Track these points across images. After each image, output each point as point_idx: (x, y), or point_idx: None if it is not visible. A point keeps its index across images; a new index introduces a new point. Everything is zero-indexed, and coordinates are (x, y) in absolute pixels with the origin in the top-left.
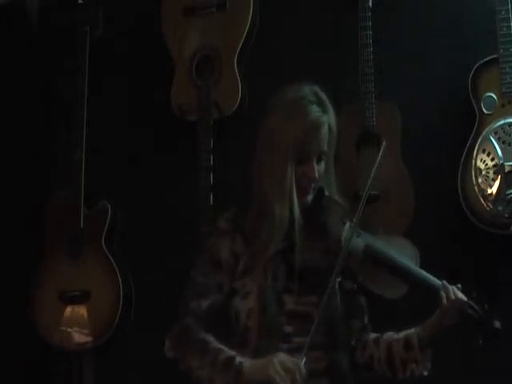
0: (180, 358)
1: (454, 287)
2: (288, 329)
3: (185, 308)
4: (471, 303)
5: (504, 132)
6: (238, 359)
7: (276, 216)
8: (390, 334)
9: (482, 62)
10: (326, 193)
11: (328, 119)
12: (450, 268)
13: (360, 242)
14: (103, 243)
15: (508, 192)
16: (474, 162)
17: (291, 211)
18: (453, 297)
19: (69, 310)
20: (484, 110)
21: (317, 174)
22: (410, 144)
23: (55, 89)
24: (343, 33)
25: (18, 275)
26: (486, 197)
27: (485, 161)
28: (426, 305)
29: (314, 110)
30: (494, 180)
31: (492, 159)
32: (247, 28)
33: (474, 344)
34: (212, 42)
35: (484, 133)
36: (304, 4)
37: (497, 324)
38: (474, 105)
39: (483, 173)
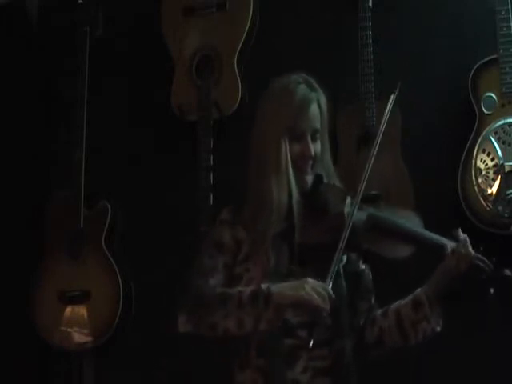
0: (199, 324)
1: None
2: (292, 320)
3: (192, 285)
4: (479, 255)
5: (504, 132)
6: (264, 286)
7: (274, 198)
8: (397, 303)
9: (482, 62)
10: (325, 180)
11: (317, 97)
12: None
13: (362, 214)
14: (103, 243)
15: (508, 192)
16: (473, 162)
17: (290, 193)
18: (461, 250)
19: (69, 310)
20: (484, 110)
21: (313, 152)
22: (410, 144)
23: (55, 89)
24: (343, 33)
25: (18, 275)
26: (486, 197)
27: (485, 161)
28: (434, 264)
29: (302, 88)
30: (494, 180)
31: (492, 159)
32: (247, 28)
33: (486, 294)
34: (212, 41)
35: (484, 133)
36: (304, 4)
37: (507, 272)
38: (474, 105)
39: (483, 173)
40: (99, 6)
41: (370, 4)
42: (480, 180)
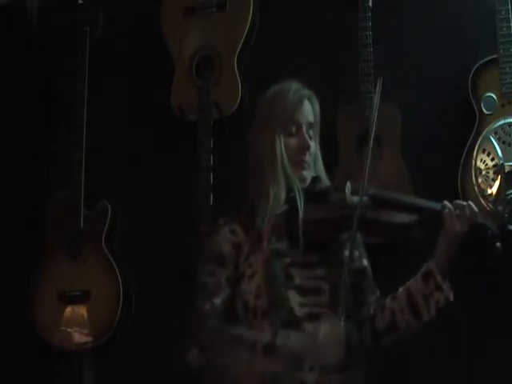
0: (209, 363)
1: (462, 203)
2: (299, 312)
3: (200, 313)
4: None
5: (504, 132)
6: (279, 341)
7: (271, 195)
8: (405, 284)
9: (482, 62)
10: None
11: (309, 94)
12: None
13: (364, 197)
14: (103, 243)
15: (508, 192)
16: (474, 162)
17: (289, 189)
18: (461, 209)
19: (69, 310)
20: (484, 110)
21: (310, 143)
22: (410, 144)
23: (55, 89)
24: (343, 33)
25: (18, 275)
26: (486, 197)
27: (485, 161)
28: (439, 231)
29: (294, 85)
30: (493, 180)
31: (492, 159)
32: (247, 28)
33: (492, 250)
34: (212, 41)
35: (484, 133)
36: (304, 4)
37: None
38: (474, 105)
39: (483, 173)
40: (99, 6)
41: (370, 4)
42: (480, 180)
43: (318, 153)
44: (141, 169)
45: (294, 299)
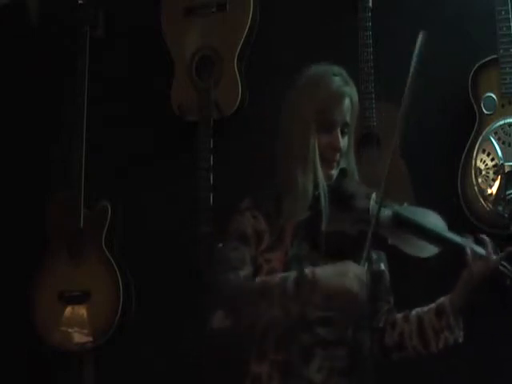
0: (240, 318)
1: (486, 239)
2: (311, 315)
3: (223, 280)
4: (503, 262)
5: (504, 132)
6: (308, 271)
7: (299, 187)
8: (418, 309)
9: (482, 62)
10: (349, 172)
11: (350, 92)
12: None
13: (388, 210)
14: (103, 243)
15: (508, 192)
16: (473, 162)
17: (316, 184)
18: (486, 255)
19: (69, 310)
20: (484, 110)
21: (342, 145)
22: (410, 144)
23: (55, 89)
24: (343, 33)
25: (18, 275)
26: (486, 197)
27: (485, 161)
28: (456, 266)
29: (337, 80)
30: (493, 180)
31: (492, 159)
32: (247, 28)
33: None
34: (212, 41)
35: (484, 133)
36: (304, 4)
37: None
38: (474, 105)
39: (483, 173)
40: (99, 6)
41: (370, 4)
42: (480, 180)
43: (351, 144)
44: (141, 169)
45: None
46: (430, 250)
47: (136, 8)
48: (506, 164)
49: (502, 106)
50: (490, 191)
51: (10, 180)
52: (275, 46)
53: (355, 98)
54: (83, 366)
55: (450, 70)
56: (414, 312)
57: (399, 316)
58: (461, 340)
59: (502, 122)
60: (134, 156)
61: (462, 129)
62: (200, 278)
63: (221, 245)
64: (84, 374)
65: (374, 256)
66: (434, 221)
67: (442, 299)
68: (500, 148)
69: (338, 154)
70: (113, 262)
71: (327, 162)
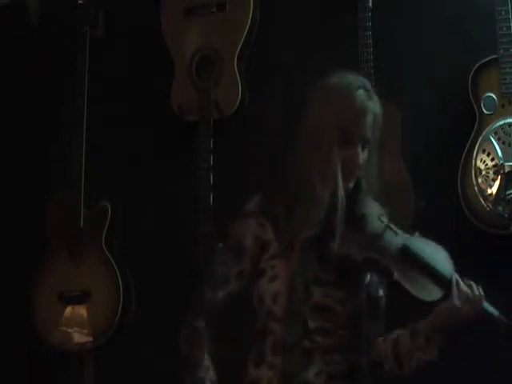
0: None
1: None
2: (311, 324)
3: (200, 299)
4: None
5: (504, 132)
6: None
7: (315, 197)
8: (397, 331)
9: (482, 62)
10: (364, 187)
11: (374, 107)
12: None
13: (398, 240)
14: (103, 243)
15: (508, 192)
16: (473, 162)
17: (333, 197)
18: (469, 290)
19: (69, 310)
20: (484, 110)
21: (361, 161)
22: (410, 144)
23: (55, 89)
24: (343, 33)
25: (18, 275)
26: (486, 197)
27: (485, 161)
28: None
29: (361, 94)
30: (493, 180)
31: (492, 159)
32: (247, 28)
33: (494, 342)
34: (212, 41)
35: (484, 133)
36: (304, 4)
37: None
38: (474, 105)
39: (483, 173)
40: (99, 6)
41: (370, 4)
42: (480, 180)
43: (375, 159)
44: (141, 169)
45: (310, 313)
46: (434, 294)
47: (136, 8)
48: (506, 164)
49: (502, 105)
50: (489, 191)
51: (10, 180)
52: (275, 46)
53: (378, 111)
54: (83, 365)
55: (450, 70)
56: (393, 333)
57: (379, 339)
58: (434, 358)
59: (501, 122)
60: (134, 156)
61: (461, 129)
62: (200, 278)
63: (221, 245)
64: (84, 373)
65: (376, 279)
66: (442, 259)
67: (418, 321)
68: (500, 148)
69: (356, 170)
70: (113, 262)
71: (346, 176)
